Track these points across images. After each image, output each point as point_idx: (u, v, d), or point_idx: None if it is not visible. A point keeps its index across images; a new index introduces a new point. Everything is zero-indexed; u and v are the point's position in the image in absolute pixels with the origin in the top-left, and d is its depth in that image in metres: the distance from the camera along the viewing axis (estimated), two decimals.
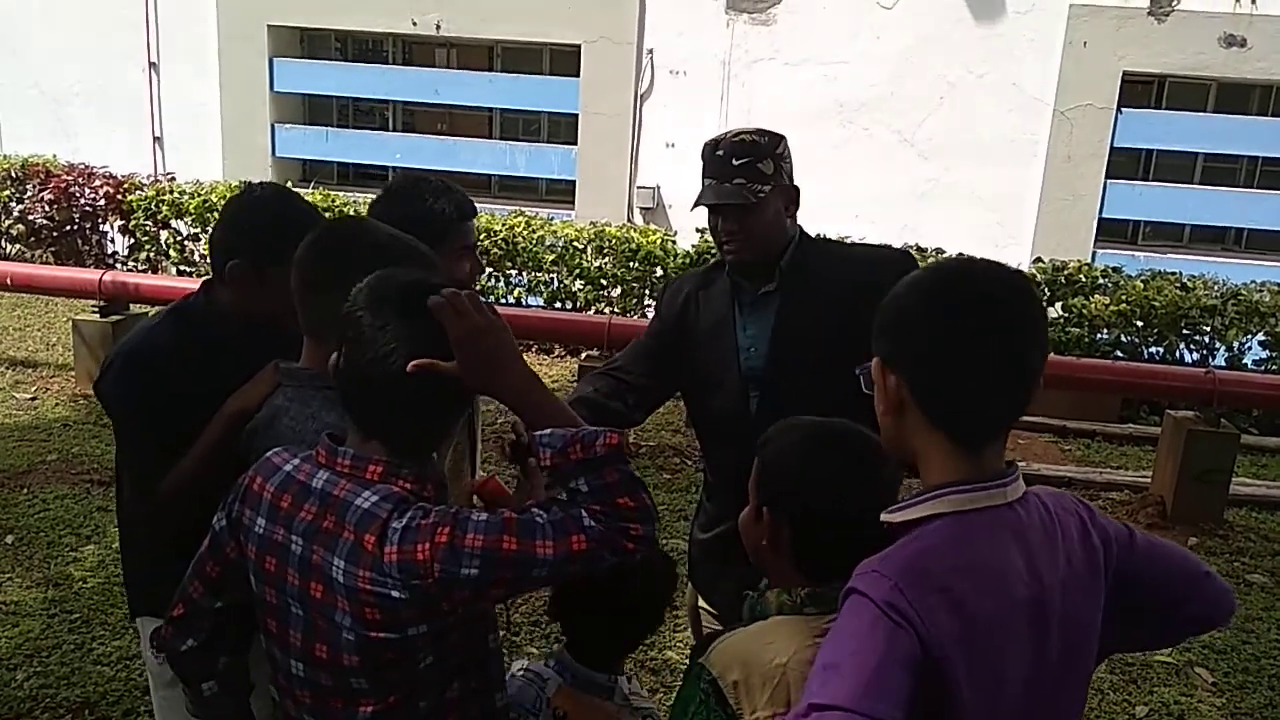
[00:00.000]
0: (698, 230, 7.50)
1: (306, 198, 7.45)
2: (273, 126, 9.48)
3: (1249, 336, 6.71)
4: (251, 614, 1.48)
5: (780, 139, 2.13)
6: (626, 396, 2.24)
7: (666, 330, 2.29)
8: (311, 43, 9.84)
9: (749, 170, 2.05)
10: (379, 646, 1.34)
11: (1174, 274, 7.03)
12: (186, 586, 1.53)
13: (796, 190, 2.14)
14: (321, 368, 1.56)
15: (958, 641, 1.13)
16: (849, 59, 8.49)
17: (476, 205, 2.21)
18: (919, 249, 6.95)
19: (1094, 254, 8.39)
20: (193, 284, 7.29)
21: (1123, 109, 8.39)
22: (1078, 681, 1.29)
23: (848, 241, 2.33)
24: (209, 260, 1.95)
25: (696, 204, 2.14)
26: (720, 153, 2.09)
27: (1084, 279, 6.93)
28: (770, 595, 1.50)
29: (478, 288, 1.79)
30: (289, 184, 8.89)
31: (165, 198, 8.17)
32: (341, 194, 8.36)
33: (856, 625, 1.13)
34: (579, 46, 8.90)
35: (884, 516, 1.27)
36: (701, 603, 2.32)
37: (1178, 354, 6.80)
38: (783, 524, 1.50)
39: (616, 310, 7.31)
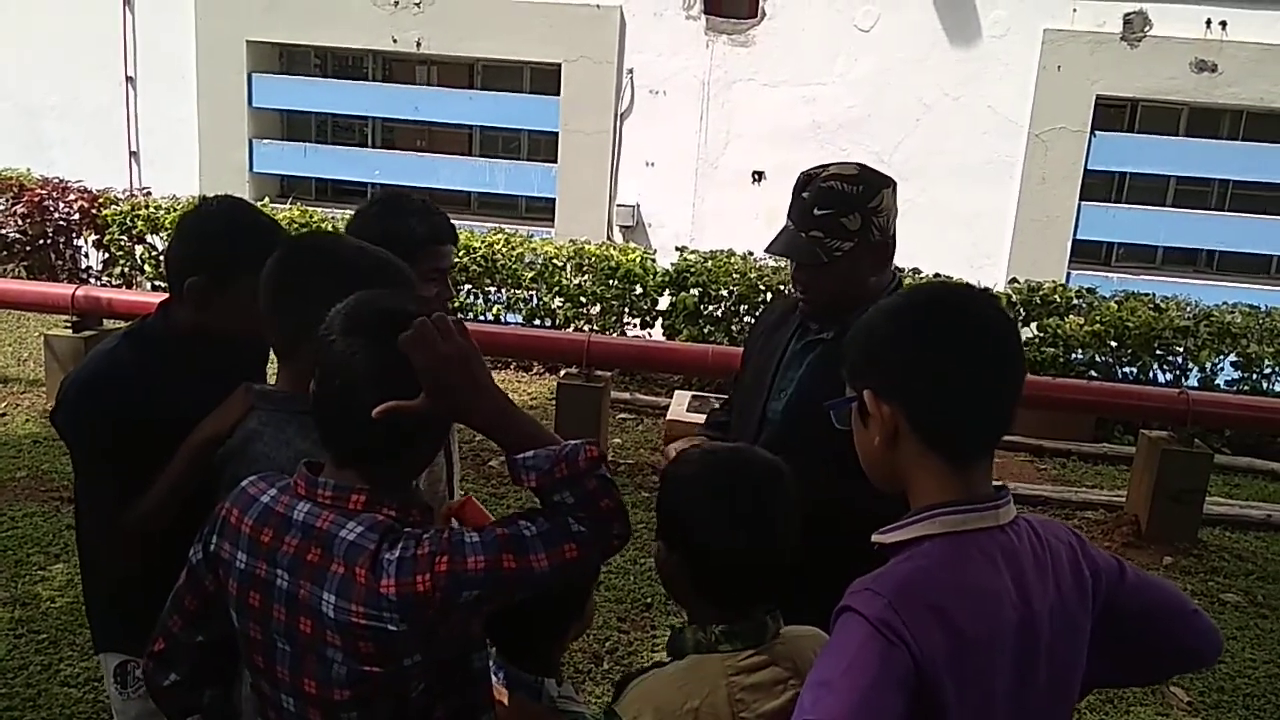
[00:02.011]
0: (677, 249, 7.53)
1: (285, 213, 7.43)
2: (250, 142, 9.43)
3: (1221, 357, 6.79)
4: (235, 647, 1.44)
5: (880, 188, 1.88)
6: None
7: (745, 359, 2.23)
8: (290, 58, 9.81)
9: (829, 224, 1.86)
10: (372, 679, 1.31)
11: (1147, 295, 7.11)
12: (166, 621, 1.49)
13: (889, 246, 1.93)
14: (295, 389, 1.54)
15: (949, 661, 1.13)
16: (827, 80, 8.56)
17: (456, 223, 2.18)
18: (895, 269, 6.98)
19: (1068, 275, 8.48)
20: (161, 299, 7.22)
21: (1096, 132, 8.51)
22: (1062, 712, 1.29)
23: None
24: (167, 279, 1.90)
25: (768, 249, 1.98)
26: (806, 195, 1.89)
27: (1059, 299, 7.00)
28: (687, 631, 1.49)
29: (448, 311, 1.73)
30: (266, 199, 8.87)
31: (141, 212, 8.10)
32: (319, 210, 8.32)
33: (849, 642, 1.13)
34: (559, 65, 8.92)
35: (875, 537, 1.28)
36: None
37: (1151, 374, 6.87)
38: (678, 559, 1.49)
39: (596, 328, 7.31)
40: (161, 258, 8.24)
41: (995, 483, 1.28)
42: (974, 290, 1.32)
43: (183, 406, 1.75)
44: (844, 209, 1.85)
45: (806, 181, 1.91)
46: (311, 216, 7.75)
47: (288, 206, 8.25)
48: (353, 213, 2.16)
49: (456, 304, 7.23)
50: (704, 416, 6.07)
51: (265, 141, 9.55)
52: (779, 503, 1.46)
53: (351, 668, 1.30)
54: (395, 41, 9.09)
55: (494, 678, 1.75)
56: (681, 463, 1.55)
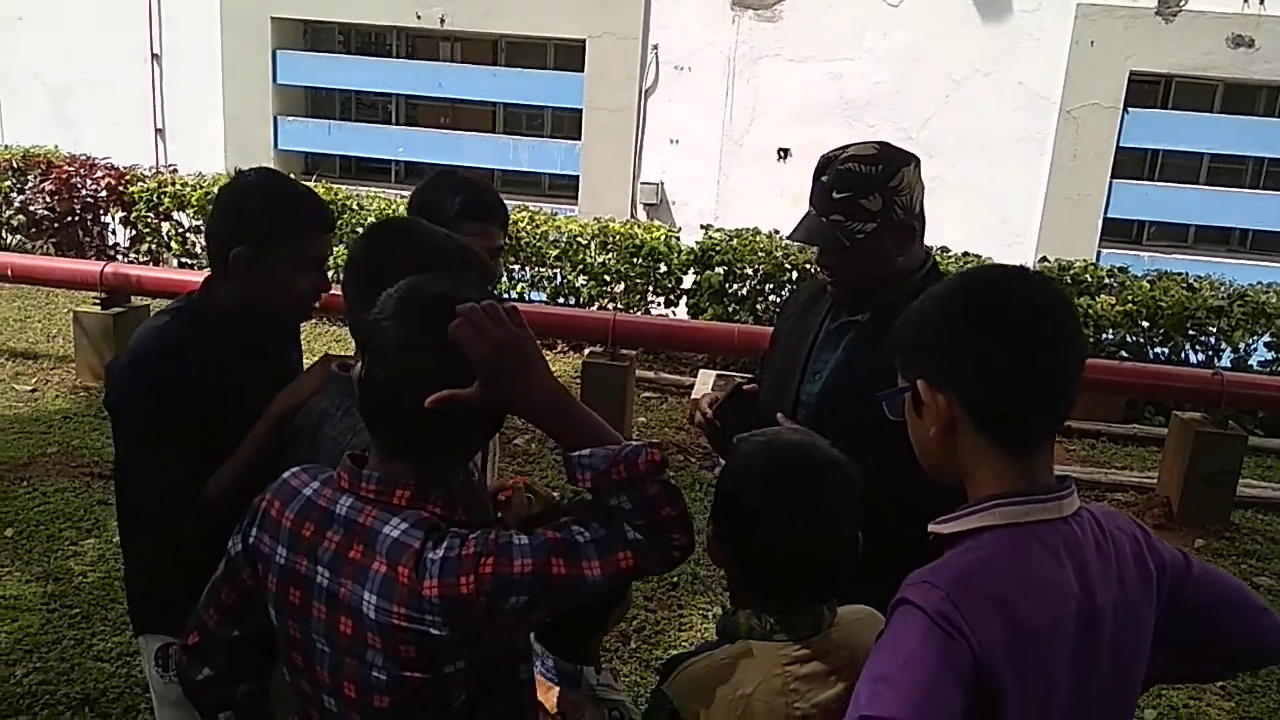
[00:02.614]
0: (702, 227, 7.47)
1: None
2: (275, 119, 9.44)
3: (1255, 338, 6.68)
4: (271, 642, 1.40)
5: (900, 166, 1.84)
6: None
7: (775, 340, 2.20)
8: (315, 35, 9.80)
9: (849, 206, 1.82)
10: (413, 686, 1.25)
11: (1180, 274, 6.99)
12: (201, 614, 1.45)
13: (914, 225, 1.87)
14: None
15: (1009, 654, 1.11)
16: (854, 56, 8.45)
17: None
18: (927, 247, 6.92)
19: (1099, 253, 8.36)
20: (194, 275, 7.22)
21: (1129, 109, 8.36)
22: (1124, 706, 1.26)
23: None
24: (208, 256, 1.90)
25: (789, 236, 1.95)
26: (825, 179, 1.85)
27: (1090, 279, 6.90)
28: (741, 615, 1.45)
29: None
30: (291, 176, 8.85)
31: (167, 189, 8.13)
32: (344, 187, 8.32)
33: (907, 636, 1.11)
34: (584, 41, 8.85)
35: (932, 528, 1.25)
36: None
37: (1183, 355, 6.77)
38: (731, 545, 1.46)
39: (620, 306, 7.28)
40: (186, 234, 8.29)
41: (1057, 473, 1.24)
42: (1028, 272, 1.27)
43: (232, 384, 1.75)
44: (863, 190, 1.81)
45: (825, 165, 1.87)
46: (336, 194, 7.74)
47: (313, 184, 8.26)
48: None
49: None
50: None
51: (290, 119, 9.56)
52: (838, 495, 1.42)
53: (392, 672, 1.25)
54: (419, 18, 9.05)
55: (537, 667, 1.74)
56: (743, 450, 1.50)
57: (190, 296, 1.92)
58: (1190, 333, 6.68)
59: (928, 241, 6.32)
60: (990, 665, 1.09)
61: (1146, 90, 8.64)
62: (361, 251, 1.63)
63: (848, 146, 1.88)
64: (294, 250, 1.82)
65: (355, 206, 7.71)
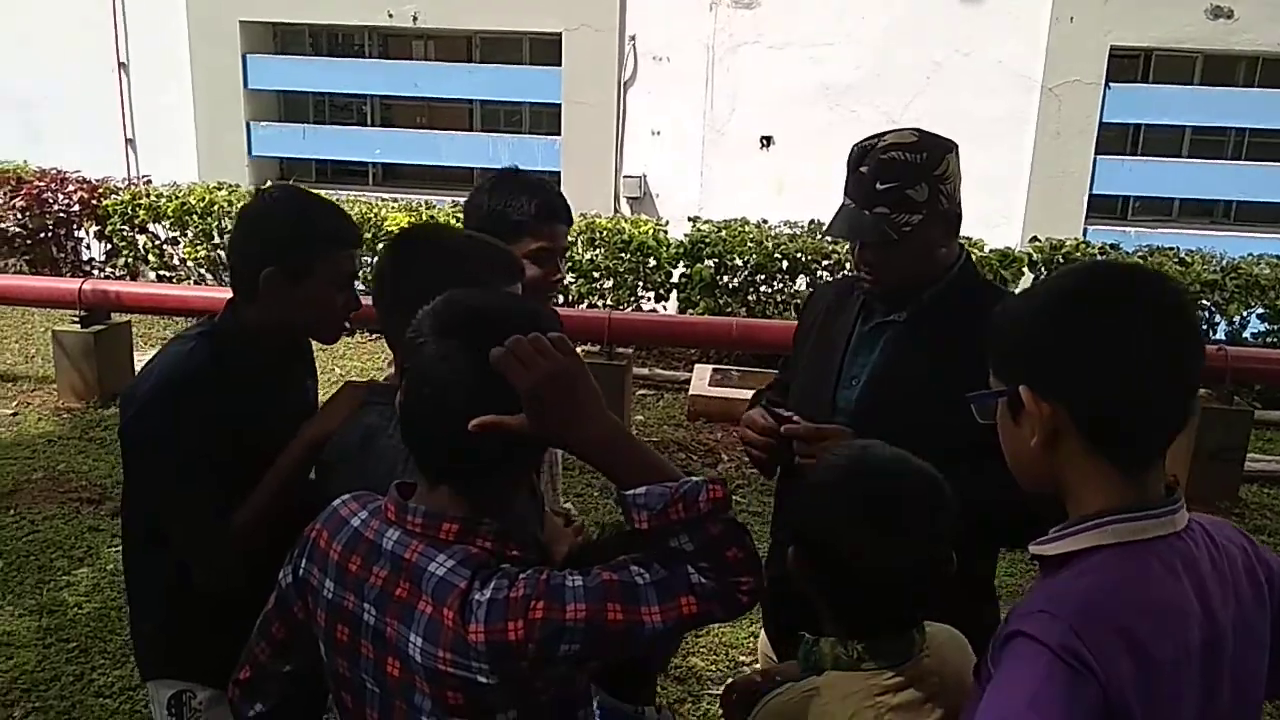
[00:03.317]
0: (690, 219, 7.39)
1: None
2: (248, 125, 9.25)
3: (1248, 310, 6.67)
4: (323, 681, 1.33)
5: (944, 153, 1.74)
6: None
7: (798, 342, 2.09)
8: (284, 38, 9.61)
9: (895, 197, 1.70)
10: None
11: (1172, 249, 6.98)
12: (253, 647, 1.39)
13: (959, 214, 1.78)
14: None
15: (1138, 688, 1.02)
16: (834, 40, 8.37)
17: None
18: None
19: (1085, 230, 8.34)
20: (176, 290, 7.06)
21: (1110, 84, 8.33)
22: None
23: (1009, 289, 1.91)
24: (232, 278, 1.83)
25: (828, 231, 1.84)
26: (864, 169, 1.74)
27: (1082, 257, 6.87)
28: (825, 644, 1.37)
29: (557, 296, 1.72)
30: (267, 183, 8.70)
31: (142, 201, 7.95)
32: (322, 192, 8.15)
33: (1029, 674, 1.02)
34: (560, 35, 8.73)
35: (1034, 549, 1.16)
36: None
37: None
38: (816, 571, 1.37)
39: (609, 303, 7.18)
40: (163, 246, 8.12)
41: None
42: (1143, 269, 1.17)
43: (263, 410, 1.71)
44: (909, 180, 1.70)
45: (863, 154, 1.76)
46: None
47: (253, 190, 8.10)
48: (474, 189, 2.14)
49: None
50: (727, 391, 6.01)
51: (263, 124, 9.37)
52: (935, 515, 1.33)
53: (441, 718, 1.18)
54: (391, 16, 8.89)
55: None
56: (826, 468, 1.40)
57: (213, 320, 1.85)
58: None
59: None
60: (1120, 702, 1.01)
61: (1127, 65, 8.62)
62: (389, 262, 1.59)
63: (884, 134, 1.77)
64: (325, 268, 1.77)
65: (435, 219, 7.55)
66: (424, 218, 7.34)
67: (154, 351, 6.73)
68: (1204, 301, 6.65)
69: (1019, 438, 1.16)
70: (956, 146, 1.77)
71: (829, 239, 6.84)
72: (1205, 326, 6.72)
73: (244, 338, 1.79)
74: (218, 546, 1.70)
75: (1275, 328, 6.71)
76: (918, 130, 1.76)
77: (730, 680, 1.68)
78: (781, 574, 1.98)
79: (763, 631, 2.18)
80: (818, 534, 1.36)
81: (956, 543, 1.36)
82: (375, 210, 7.47)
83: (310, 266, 1.74)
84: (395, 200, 7.94)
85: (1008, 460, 1.21)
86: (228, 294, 1.83)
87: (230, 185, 8.11)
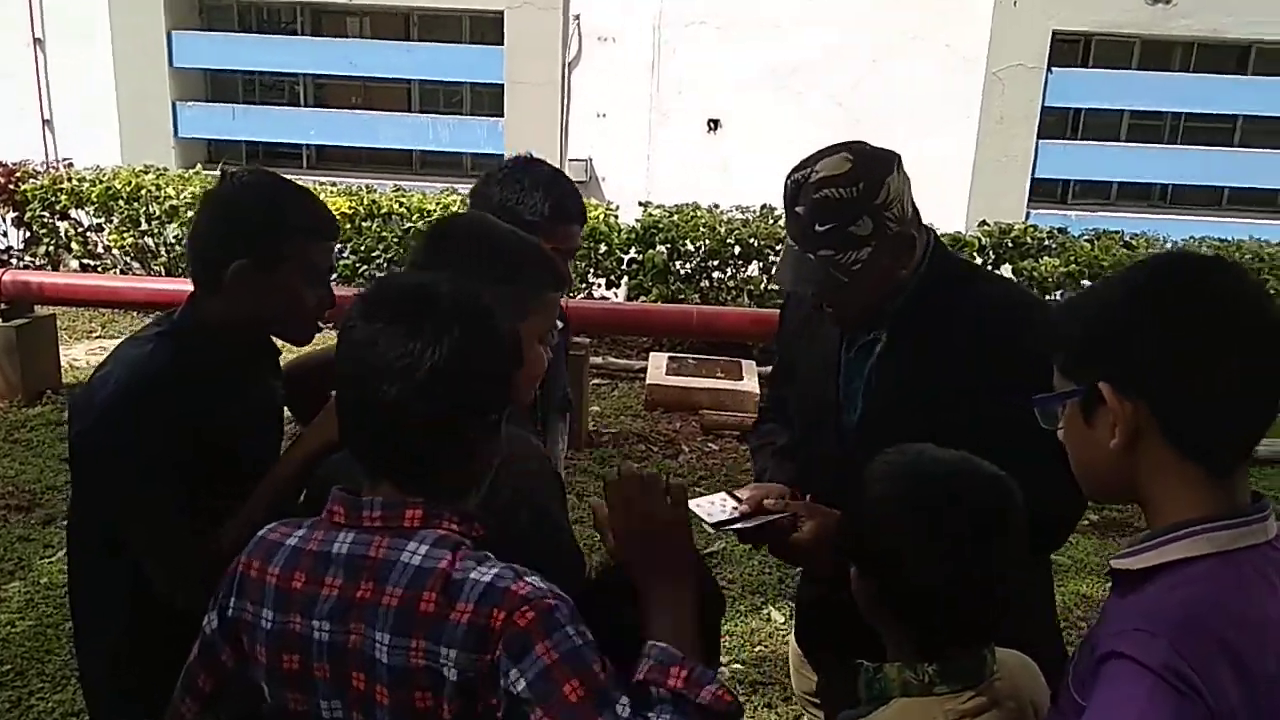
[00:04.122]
0: (640, 204, 7.26)
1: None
2: (174, 105, 8.83)
3: None
4: None
5: (883, 176, 1.58)
6: None
7: (784, 349, 2.00)
8: (211, 14, 9.20)
9: (837, 238, 1.57)
10: None
11: (1117, 233, 7.07)
12: (178, 704, 1.26)
13: (911, 234, 1.64)
14: None
15: (1244, 708, 0.96)
16: (781, 23, 8.28)
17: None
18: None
19: (1028, 214, 8.42)
20: (103, 279, 6.69)
21: (1052, 68, 8.40)
22: None
23: (987, 275, 1.87)
24: (195, 270, 1.66)
25: (776, 279, 1.73)
26: (800, 210, 1.60)
27: (1030, 241, 6.93)
28: (891, 670, 1.28)
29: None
30: (198, 166, 8.34)
31: (63, 186, 7.53)
32: None
33: (1131, 697, 0.95)
34: (502, 13, 8.49)
35: (1118, 564, 1.08)
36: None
37: None
38: (881, 590, 1.29)
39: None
40: (87, 234, 7.73)
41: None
42: (1222, 261, 1.12)
43: (232, 413, 1.58)
44: (849, 217, 1.56)
45: (796, 191, 1.61)
46: None
47: (220, 173, 7.76)
48: (476, 181, 2.01)
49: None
50: (685, 380, 5.92)
51: (189, 104, 8.97)
52: (1011, 525, 1.24)
53: None
54: None
55: None
56: (882, 476, 1.30)
57: (172, 317, 1.68)
58: None
59: None
60: None
61: (1068, 49, 8.70)
62: (428, 256, 1.46)
63: (815, 162, 1.60)
64: (300, 261, 1.62)
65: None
66: (365, 203, 7.09)
67: (81, 348, 6.34)
68: None
69: (1093, 441, 1.09)
70: (898, 158, 1.63)
71: (781, 225, 6.78)
72: None
73: (207, 335, 1.64)
74: (180, 548, 1.57)
75: None
76: (851, 153, 1.59)
77: None
78: (813, 597, 1.91)
79: (793, 642, 2.10)
80: (884, 549, 1.27)
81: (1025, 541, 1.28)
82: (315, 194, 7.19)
83: (283, 259, 1.60)
84: (334, 184, 7.66)
85: (1076, 467, 1.14)
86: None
87: (158, 169, 7.73)
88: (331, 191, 7.32)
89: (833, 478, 1.66)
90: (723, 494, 1.73)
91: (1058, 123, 8.88)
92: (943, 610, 1.23)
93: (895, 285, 1.68)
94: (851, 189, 1.56)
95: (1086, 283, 6.73)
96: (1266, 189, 8.96)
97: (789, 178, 1.63)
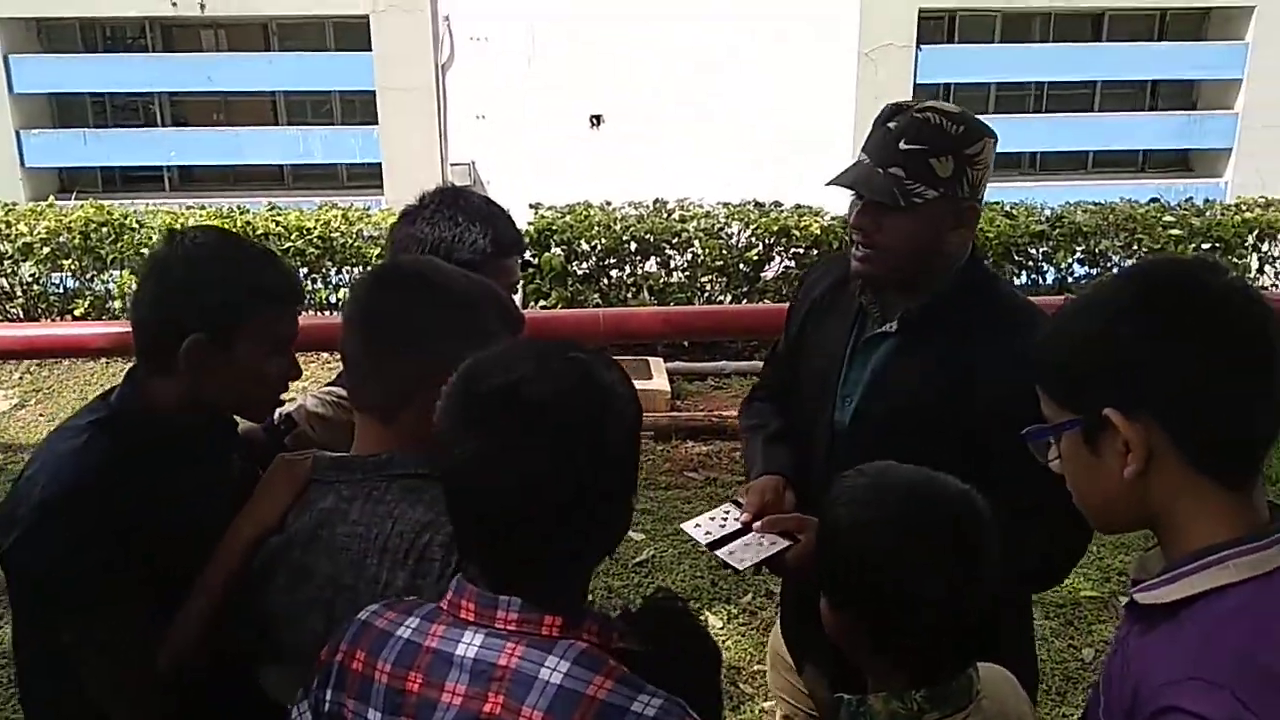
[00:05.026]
0: (531, 206, 7.09)
1: (80, 211, 6.39)
2: (18, 133, 8.25)
3: (1071, 256, 7.02)
4: None
5: (982, 135, 1.58)
6: None
7: (791, 335, 1.89)
8: (50, 34, 8.62)
9: (916, 162, 1.52)
10: None
11: (997, 203, 7.25)
12: None
13: (976, 208, 1.61)
14: (386, 449, 1.24)
15: None
16: (658, 15, 8.23)
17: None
18: (757, 204, 6.89)
19: None
20: None
21: (921, 46, 8.59)
22: None
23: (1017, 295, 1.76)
24: (141, 346, 1.47)
25: (832, 180, 1.61)
26: (892, 125, 1.56)
27: None
28: (876, 702, 1.23)
29: None
30: (50, 198, 7.80)
31: None
32: (113, 202, 7.36)
33: None
34: (366, 17, 8.21)
35: (1143, 598, 1.02)
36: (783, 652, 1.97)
37: (1010, 279, 7.03)
38: (856, 618, 1.24)
39: None
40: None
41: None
42: (1201, 262, 1.07)
43: (187, 506, 1.38)
44: (938, 148, 1.52)
45: (895, 111, 1.59)
46: (110, 214, 6.82)
47: (75, 205, 7.25)
48: (401, 211, 1.83)
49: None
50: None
51: (34, 131, 8.39)
52: (985, 541, 1.21)
53: None
54: (175, 5, 8.11)
55: None
56: (850, 499, 1.26)
57: (108, 400, 1.47)
58: (1016, 258, 6.93)
59: (759, 197, 5.85)
60: None
61: (934, 27, 8.91)
62: (368, 303, 1.34)
63: (918, 101, 1.61)
64: (264, 331, 1.44)
65: (134, 225, 6.81)
66: (239, 225, 6.72)
67: None
68: (1032, 251, 6.95)
69: (1103, 471, 1.03)
70: (997, 138, 1.62)
71: (676, 219, 6.73)
72: (1035, 276, 7.03)
73: (155, 421, 1.44)
74: (116, 667, 1.38)
75: (1094, 271, 7.08)
76: (960, 109, 1.61)
77: None
78: (799, 594, 1.83)
79: (775, 633, 2.01)
80: (850, 574, 1.23)
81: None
82: (181, 219, 6.77)
83: (247, 330, 1.42)
84: (202, 207, 7.25)
85: (1083, 500, 1.08)
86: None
87: (7, 204, 7.18)
88: (200, 215, 6.93)
89: (823, 469, 1.60)
90: (726, 505, 1.65)
91: (929, 99, 9.05)
92: (933, 633, 1.19)
93: (932, 261, 1.60)
94: (954, 125, 1.55)
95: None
96: (1128, 150, 9.37)
97: (892, 103, 1.61)
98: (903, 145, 1.53)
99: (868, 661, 1.27)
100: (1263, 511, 1.02)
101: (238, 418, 1.59)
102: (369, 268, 6.84)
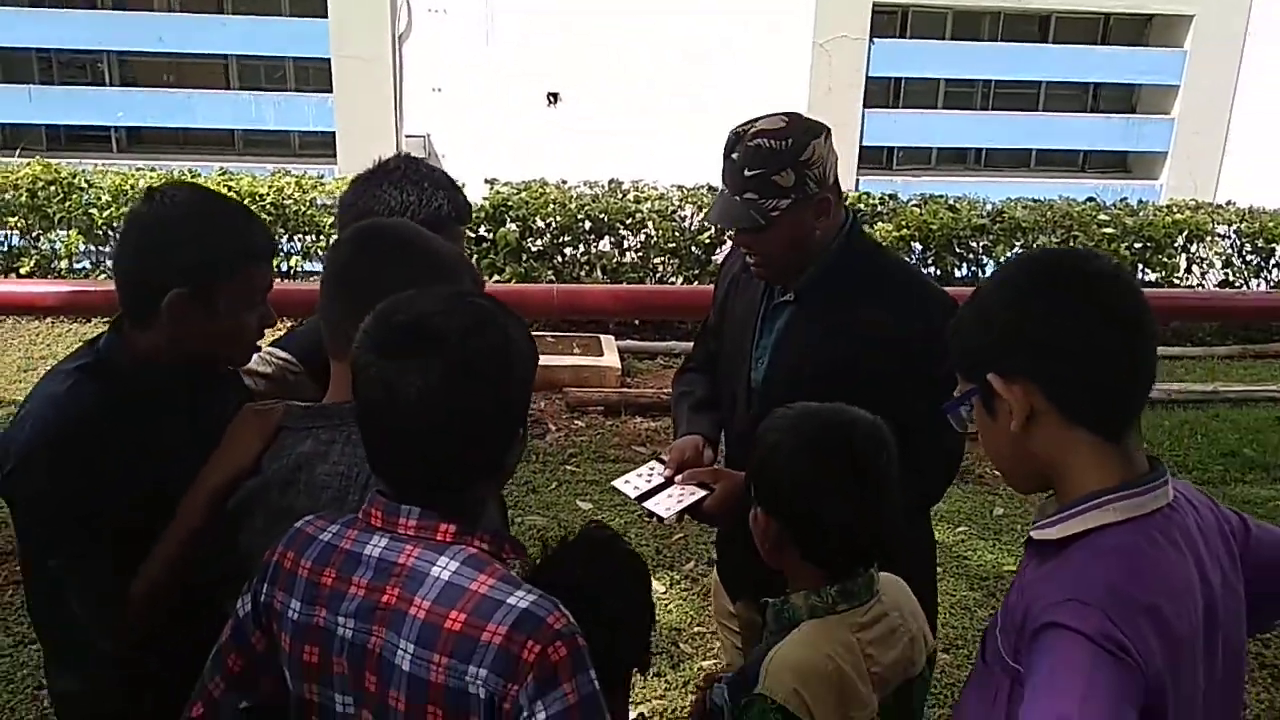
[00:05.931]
0: (487, 181, 7.13)
1: (25, 169, 6.31)
2: None
3: (1011, 250, 7.25)
4: (285, 716, 1.22)
5: (810, 139, 1.76)
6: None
7: (716, 308, 2.11)
8: None
9: (762, 184, 1.74)
10: None
11: (942, 197, 7.45)
12: (206, 682, 1.26)
13: (829, 197, 1.79)
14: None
15: (1168, 666, 1.04)
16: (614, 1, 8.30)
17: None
18: (710, 187, 6.99)
19: (857, 181, 8.78)
20: None
21: (874, 39, 8.76)
22: (1238, 691, 1.23)
23: (896, 262, 2.06)
24: (124, 298, 1.52)
25: (706, 218, 1.86)
26: (735, 156, 1.78)
27: (865, 208, 7.21)
28: (796, 598, 1.46)
29: None
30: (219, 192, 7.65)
31: None
32: (59, 161, 7.24)
33: (1074, 666, 1.01)
34: None
35: (1036, 534, 1.16)
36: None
37: (952, 272, 7.25)
38: (781, 526, 1.46)
39: None
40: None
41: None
42: (1081, 251, 1.24)
43: (166, 451, 1.45)
44: (775, 166, 1.74)
45: (734, 142, 1.80)
46: (58, 173, 6.72)
47: (20, 162, 7.13)
48: (355, 177, 1.89)
49: None
50: (547, 359, 5.89)
51: None
52: (887, 459, 1.44)
53: None
54: None
55: None
56: (777, 428, 1.48)
57: (96, 348, 1.52)
58: (958, 251, 7.14)
59: (696, 179, 5.90)
60: (1156, 683, 1.03)
61: (887, 21, 9.09)
62: (351, 264, 1.41)
63: (755, 120, 1.81)
64: (241, 284, 1.50)
65: (83, 184, 6.73)
66: None
67: None
68: (972, 244, 7.17)
69: (999, 430, 1.17)
70: (828, 130, 1.83)
71: (631, 199, 6.82)
72: (975, 269, 7.25)
73: (139, 369, 1.50)
74: (99, 598, 1.46)
75: None
76: (787, 116, 1.80)
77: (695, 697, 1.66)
78: (730, 539, 2.02)
79: (713, 573, 2.22)
80: (782, 487, 1.45)
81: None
82: (130, 180, 6.71)
83: (226, 284, 1.48)
84: (151, 169, 7.17)
85: (996, 462, 1.23)
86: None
87: None
88: (150, 177, 6.85)
89: (746, 425, 1.82)
90: (651, 462, 1.86)
91: (880, 92, 9.28)
92: (841, 535, 1.42)
93: (811, 249, 1.83)
94: (782, 142, 1.74)
95: (917, 245, 7.09)
96: (1069, 149, 9.67)
97: (732, 131, 1.81)
98: (747, 173, 1.75)
99: (791, 564, 1.47)
100: (1141, 463, 1.16)
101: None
102: (332, 234, 6.84)
